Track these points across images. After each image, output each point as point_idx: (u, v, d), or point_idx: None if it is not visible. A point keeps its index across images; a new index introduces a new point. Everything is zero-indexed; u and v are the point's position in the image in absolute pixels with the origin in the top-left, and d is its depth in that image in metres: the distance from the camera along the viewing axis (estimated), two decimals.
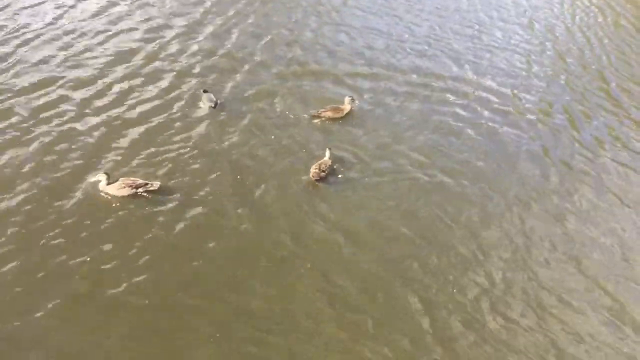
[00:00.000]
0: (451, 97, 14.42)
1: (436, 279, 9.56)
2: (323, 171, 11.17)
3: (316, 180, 11.06)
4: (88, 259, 8.93)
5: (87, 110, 12.03)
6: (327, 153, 11.47)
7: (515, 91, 15.21)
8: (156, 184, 10.34)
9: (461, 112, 13.91)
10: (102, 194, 10.14)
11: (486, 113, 14.07)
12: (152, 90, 12.95)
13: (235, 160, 11.41)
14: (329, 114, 12.79)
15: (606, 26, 19.80)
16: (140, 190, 10.21)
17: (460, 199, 11.33)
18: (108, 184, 10.18)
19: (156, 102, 12.61)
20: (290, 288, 9.06)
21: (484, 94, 14.80)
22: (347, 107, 12.93)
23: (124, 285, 8.64)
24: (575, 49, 18.00)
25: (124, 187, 10.14)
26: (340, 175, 11.44)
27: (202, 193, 10.55)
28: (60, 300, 8.28)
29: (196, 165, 11.12)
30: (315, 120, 12.76)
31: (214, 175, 10.96)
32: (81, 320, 8.11)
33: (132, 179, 10.33)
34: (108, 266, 8.88)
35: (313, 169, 11.13)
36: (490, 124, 13.70)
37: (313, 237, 10.01)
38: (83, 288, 8.50)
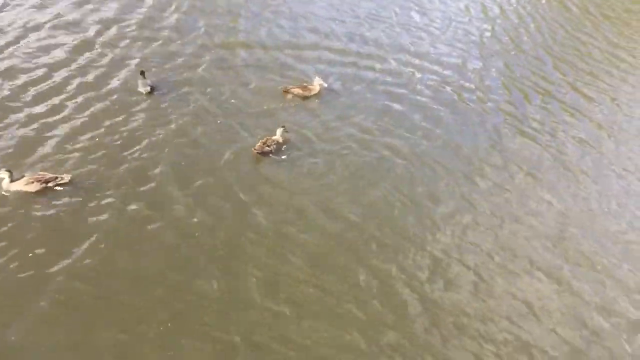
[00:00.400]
0: (400, 76, 14.79)
1: (390, 253, 9.91)
2: (268, 146, 11.19)
3: (258, 153, 11.09)
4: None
5: None
6: (279, 131, 11.48)
7: (467, 69, 15.83)
8: (67, 177, 9.70)
9: (410, 90, 14.30)
10: (5, 193, 9.50)
11: (433, 92, 14.50)
12: (83, 73, 12.53)
13: (173, 147, 11.11)
14: (298, 91, 13.00)
15: (550, 8, 20.75)
16: (50, 184, 9.56)
17: (411, 176, 11.65)
18: (12, 181, 9.48)
19: (87, 87, 12.17)
20: (239, 272, 9.12)
21: (434, 73, 15.27)
22: (316, 87, 13.17)
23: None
24: (523, 29, 18.81)
25: (32, 183, 9.49)
26: (283, 157, 11.41)
27: (129, 183, 10.16)
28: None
29: (124, 154, 10.72)
30: (287, 96, 13.00)
31: (145, 164, 10.62)
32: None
33: (40, 173, 9.68)
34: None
35: (259, 142, 11.21)
36: (440, 101, 14.15)
37: (258, 216, 10.08)
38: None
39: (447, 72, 15.41)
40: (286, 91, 13.04)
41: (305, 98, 13.04)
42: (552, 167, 12.74)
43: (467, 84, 15.08)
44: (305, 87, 13.12)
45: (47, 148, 10.54)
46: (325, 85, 13.40)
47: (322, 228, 10.13)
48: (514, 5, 20.36)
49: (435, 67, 15.50)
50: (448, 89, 14.73)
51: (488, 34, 18.01)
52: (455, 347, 8.66)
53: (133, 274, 8.74)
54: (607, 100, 15.68)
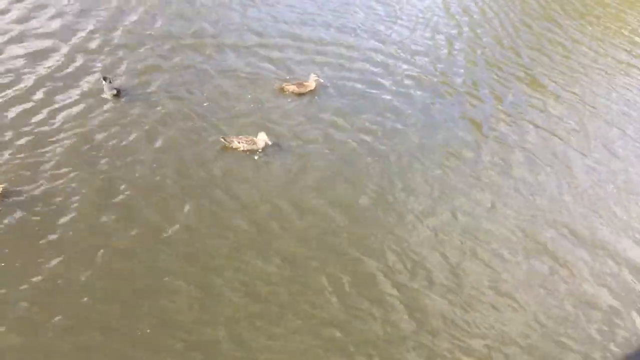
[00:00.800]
0: (380, 72, 15.30)
1: (371, 248, 10.31)
2: (239, 142, 11.24)
3: (226, 144, 11.21)
4: None
5: None
6: (259, 135, 11.42)
7: (440, 66, 16.43)
8: None
9: (391, 87, 14.79)
10: None
11: (416, 83, 15.20)
12: (46, 77, 12.40)
13: (143, 151, 11.02)
14: (294, 88, 13.29)
15: (513, 6, 21.64)
16: None
17: (396, 168, 12.13)
18: None
19: (49, 91, 12.04)
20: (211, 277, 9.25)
21: (411, 70, 15.83)
22: (311, 83, 13.42)
23: None
24: (489, 27, 19.49)
25: None
26: (256, 157, 11.50)
27: (75, 197, 9.91)
28: None
29: (87, 161, 10.63)
30: (283, 91, 13.28)
31: (112, 171, 10.52)
32: None
33: None
34: None
35: (233, 136, 11.36)
36: (418, 97, 14.73)
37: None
38: None
39: (430, 67, 16.12)
40: (281, 89, 13.32)
41: (300, 94, 13.37)
42: (523, 157, 13.51)
43: (446, 78, 15.79)
44: (301, 83, 13.36)
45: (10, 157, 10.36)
46: (322, 80, 13.68)
47: (299, 226, 10.33)
48: (487, 2, 21.17)
49: (415, 64, 16.12)
50: (434, 80, 15.47)
51: (466, 27, 18.83)
52: (441, 339, 9.18)
53: (105, 288, 8.72)
54: (587, 93, 16.67)
